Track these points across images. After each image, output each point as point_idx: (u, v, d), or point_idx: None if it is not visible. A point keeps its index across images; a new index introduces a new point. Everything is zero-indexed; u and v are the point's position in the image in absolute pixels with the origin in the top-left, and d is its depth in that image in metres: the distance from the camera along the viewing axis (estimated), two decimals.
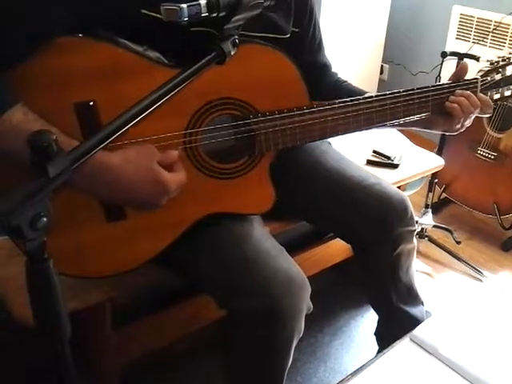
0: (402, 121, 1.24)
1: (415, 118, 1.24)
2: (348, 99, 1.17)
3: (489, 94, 1.28)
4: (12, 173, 0.84)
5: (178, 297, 1.44)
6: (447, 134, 1.31)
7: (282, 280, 1.06)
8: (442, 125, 1.27)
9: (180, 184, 0.99)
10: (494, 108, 1.30)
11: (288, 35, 1.23)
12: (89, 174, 0.89)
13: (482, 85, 1.27)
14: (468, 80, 1.27)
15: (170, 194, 0.98)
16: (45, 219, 0.57)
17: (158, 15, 0.96)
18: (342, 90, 1.36)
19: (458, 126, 1.26)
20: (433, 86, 1.24)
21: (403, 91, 1.21)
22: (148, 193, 0.96)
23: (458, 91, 1.24)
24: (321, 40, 1.38)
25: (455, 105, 1.22)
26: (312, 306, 1.14)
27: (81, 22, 0.94)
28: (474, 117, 1.26)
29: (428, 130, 1.31)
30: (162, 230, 1.07)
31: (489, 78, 1.28)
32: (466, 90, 1.25)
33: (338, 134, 1.19)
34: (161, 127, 1.00)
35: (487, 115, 1.29)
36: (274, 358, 1.15)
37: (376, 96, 1.20)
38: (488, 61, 1.33)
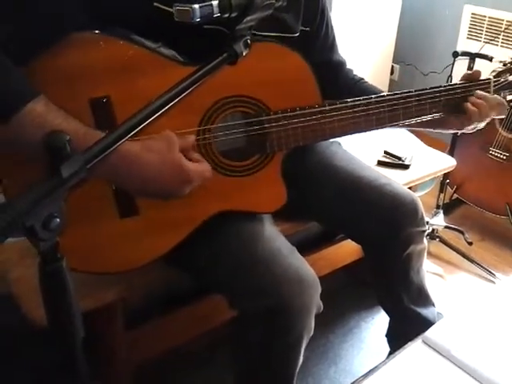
0: (413, 121, 1.23)
1: (427, 118, 1.23)
2: (360, 98, 1.17)
3: (502, 94, 1.27)
4: (34, 165, 0.85)
5: (190, 296, 1.44)
6: (459, 132, 1.30)
7: (293, 279, 1.06)
8: (453, 125, 1.26)
9: (202, 174, 0.99)
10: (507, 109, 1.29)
11: (297, 34, 1.23)
12: (110, 164, 0.88)
13: (494, 85, 1.26)
14: (481, 80, 1.26)
15: (192, 184, 0.97)
16: (58, 220, 0.57)
17: (171, 9, 0.97)
18: (357, 88, 1.36)
19: (471, 127, 1.25)
20: (445, 86, 1.23)
21: (415, 91, 1.20)
22: (171, 181, 0.95)
23: (479, 92, 1.23)
24: (334, 38, 1.37)
25: (475, 108, 1.21)
26: (322, 306, 1.14)
27: (93, 18, 0.94)
28: (488, 120, 1.25)
29: (439, 131, 1.30)
30: (174, 227, 1.08)
31: (502, 79, 1.27)
32: (479, 90, 1.24)
33: (349, 133, 1.19)
34: (174, 124, 1.00)
35: (502, 116, 1.28)
36: (284, 357, 1.15)
37: (388, 95, 1.19)
38: (501, 61, 1.32)
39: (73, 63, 0.95)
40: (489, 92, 1.25)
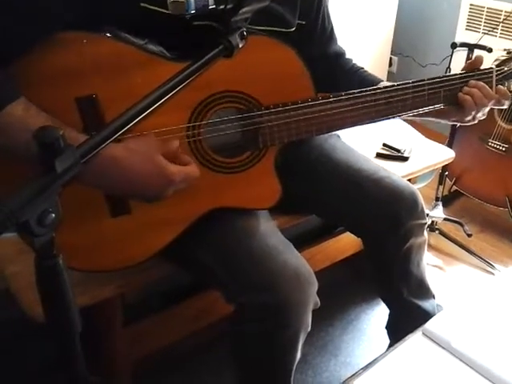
0: (412, 113, 1.22)
1: (426, 109, 1.22)
2: (356, 91, 1.15)
3: (506, 84, 1.25)
4: (13, 167, 0.84)
5: (188, 292, 1.44)
6: (458, 124, 1.29)
7: (289, 275, 1.05)
8: (453, 115, 1.24)
9: (186, 176, 0.98)
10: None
11: (293, 29, 1.21)
12: (95, 168, 0.88)
13: (497, 75, 1.23)
14: (482, 69, 1.23)
15: (175, 186, 0.97)
16: (53, 215, 0.56)
17: (158, 8, 0.96)
18: (356, 77, 1.34)
19: (469, 118, 1.23)
20: (444, 77, 1.20)
21: (413, 82, 1.18)
22: (152, 184, 0.95)
23: (472, 82, 1.21)
24: (332, 30, 1.36)
25: (468, 96, 1.19)
26: (319, 302, 1.13)
27: (80, 17, 0.93)
28: (487, 109, 1.23)
29: (438, 120, 1.29)
30: (167, 225, 1.07)
31: (505, 68, 1.24)
32: (480, 80, 1.22)
33: (344, 127, 1.18)
34: (163, 121, 0.99)
35: (504, 107, 1.26)
36: (282, 353, 1.14)
37: (384, 88, 1.18)
38: (505, 49, 1.29)
39: (58, 62, 0.93)
40: (491, 82, 1.23)
